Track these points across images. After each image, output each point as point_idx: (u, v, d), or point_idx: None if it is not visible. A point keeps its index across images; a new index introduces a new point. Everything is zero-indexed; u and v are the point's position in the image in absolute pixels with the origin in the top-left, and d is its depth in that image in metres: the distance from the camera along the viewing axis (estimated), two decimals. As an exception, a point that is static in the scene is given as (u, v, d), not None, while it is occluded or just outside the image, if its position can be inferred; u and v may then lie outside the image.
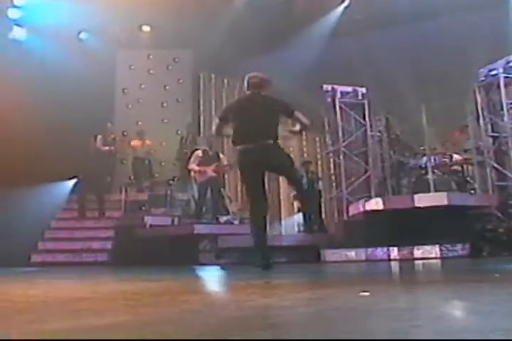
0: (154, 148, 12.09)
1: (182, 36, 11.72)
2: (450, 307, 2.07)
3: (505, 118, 8.18)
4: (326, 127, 9.97)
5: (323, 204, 11.09)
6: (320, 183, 10.85)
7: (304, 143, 13.84)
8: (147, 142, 11.97)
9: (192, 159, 9.46)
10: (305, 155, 13.53)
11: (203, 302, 2.69)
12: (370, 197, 8.15)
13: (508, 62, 8.33)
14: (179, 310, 2.26)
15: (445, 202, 6.89)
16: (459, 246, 6.68)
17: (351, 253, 7.18)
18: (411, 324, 1.64)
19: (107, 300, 2.86)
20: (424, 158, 8.39)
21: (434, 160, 8.50)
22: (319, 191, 10.56)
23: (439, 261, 6.27)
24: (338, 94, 9.46)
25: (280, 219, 12.73)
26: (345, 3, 12.44)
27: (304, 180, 10.41)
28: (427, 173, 8.03)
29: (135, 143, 11.92)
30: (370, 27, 11.47)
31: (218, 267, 7.23)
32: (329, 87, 9.48)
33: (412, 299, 2.48)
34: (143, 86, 13.39)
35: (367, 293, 2.42)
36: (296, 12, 11.80)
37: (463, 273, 4.40)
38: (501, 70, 8.26)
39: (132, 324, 1.85)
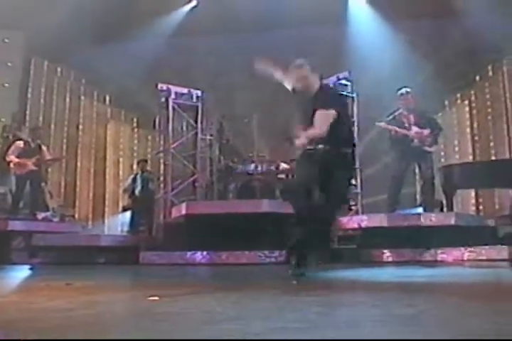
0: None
1: (15, 15, 10.81)
2: (211, 311, 2.17)
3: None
4: (157, 126, 9.81)
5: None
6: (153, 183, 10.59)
7: (136, 141, 13.49)
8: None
9: (11, 150, 8.86)
10: (135, 154, 13.18)
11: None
12: (195, 200, 8.12)
13: (339, 79, 8.78)
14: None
15: (265, 210, 7.06)
16: (276, 253, 6.86)
17: (170, 256, 7.09)
18: (172, 328, 1.76)
19: None
20: (252, 165, 8.57)
21: (262, 167, 8.72)
22: (152, 191, 10.33)
23: (254, 266, 6.38)
24: (173, 95, 9.33)
25: (103, 218, 12.33)
26: (193, 3, 12.46)
27: (139, 180, 10.23)
28: (253, 180, 8.21)
29: None
30: (215, 30, 11.52)
31: (29, 267, 6.82)
32: (164, 87, 9.34)
33: (189, 304, 2.50)
34: (-36, 66, 12.22)
35: (156, 298, 2.50)
36: (143, 5, 11.51)
37: (263, 280, 4.47)
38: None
39: None
